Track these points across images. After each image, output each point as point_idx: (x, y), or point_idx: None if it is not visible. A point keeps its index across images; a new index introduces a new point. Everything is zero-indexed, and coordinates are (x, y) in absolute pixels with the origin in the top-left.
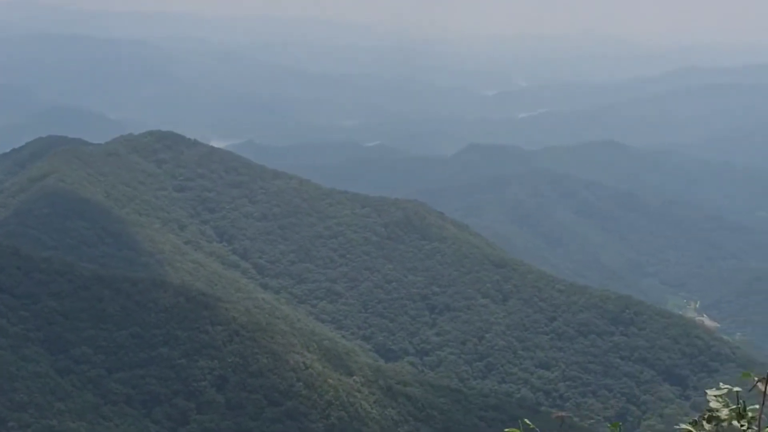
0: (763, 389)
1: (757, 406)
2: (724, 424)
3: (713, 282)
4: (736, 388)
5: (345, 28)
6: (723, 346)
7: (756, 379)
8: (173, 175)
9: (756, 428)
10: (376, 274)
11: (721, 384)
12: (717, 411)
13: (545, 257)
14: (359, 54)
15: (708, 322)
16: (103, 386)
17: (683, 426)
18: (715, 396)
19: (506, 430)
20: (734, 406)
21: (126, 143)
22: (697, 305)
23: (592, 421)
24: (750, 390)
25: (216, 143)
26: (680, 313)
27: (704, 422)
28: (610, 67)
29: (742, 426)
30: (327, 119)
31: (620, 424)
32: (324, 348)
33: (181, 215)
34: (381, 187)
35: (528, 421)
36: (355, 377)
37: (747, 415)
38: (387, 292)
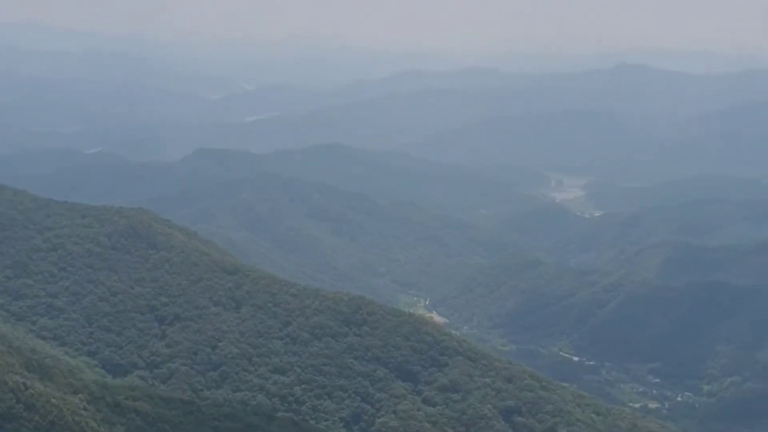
0: None
1: None
2: None
3: (440, 279)
4: None
5: (61, 32)
6: (451, 341)
7: None
8: None
9: None
10: (100, 287)
11: None
12: None
13: (278, 262)
14: (78, 59)
15: (437, 317)
16: None
17: None
18: None
19: None
20: None
21: None
22: (427, 302)
23: (327, 422)
24: None
25: None
26: (411, 310)
27: None
28: (334, 71)
29: None
30: (44, 126)
31: None
32: (45, 366)
33: None
34: (103, 196)
35: None
36: (80, 395)
37: None
38: (113, 304)
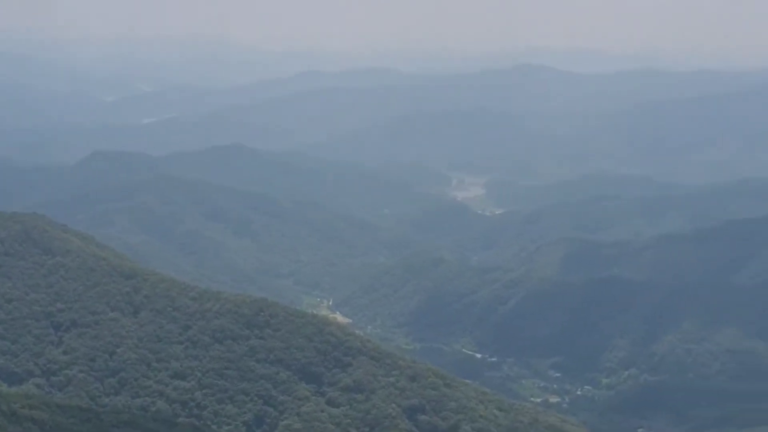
0: None
1: None
2: None
3: (344, 279)
4: None
5: None
6: (355, 341)
7: None
8: None
9: None
10: None
11: None
12: None
13: (178, 265)
14: None
15: (341, 318)
16: None
17: None
18: None
19: None
20: None
21: None
22: (330, 303)
23: (229, 427)
24: None
25: None
26: (314, 311)
27: None
28: (233, 72)
29: None
30: None
31: None
32: None
33: None
34: None
35: None
36: None
37: None
38: (7, 312)
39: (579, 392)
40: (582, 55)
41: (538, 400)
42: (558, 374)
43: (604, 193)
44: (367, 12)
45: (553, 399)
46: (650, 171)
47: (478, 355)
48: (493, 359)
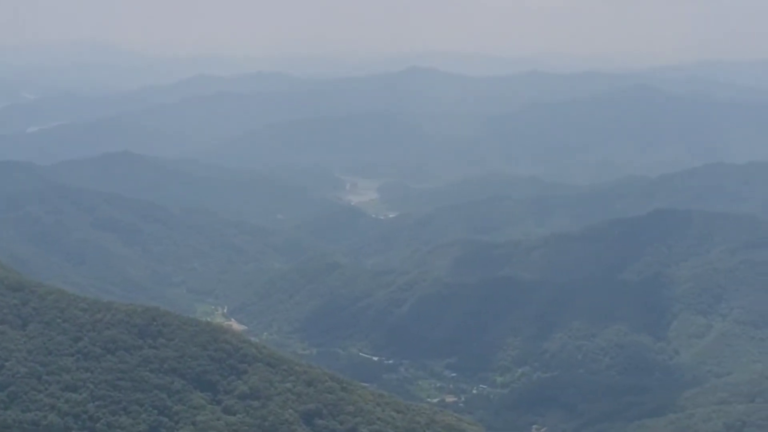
0: None
1: None
2: None
3: (239, 286)
4: None
5: None
6: (250, 348)
7: None
8: None
9: None
10: None
11: None
12: None
13: (68, 276)
14: None
15: (236, 325)
16: None
17: None
18: None
19: None
20: None
21: None
22: (225, 310)
23: None
24: None
25: None
26: (208, 319)
27: None
28: (119, 78)
29: None
30: None
31: None
32: None
33: None
34: None
35: None
36: None
37: None
38: None
39: (474, 391)
40: (472, 59)
41: (435, 400)
42: (454, 374)
43: (494, 194)
44: (259, 18)
45: (450, 399)
46: (539, 171)
47: (375, 358)
48: (390, 361)
